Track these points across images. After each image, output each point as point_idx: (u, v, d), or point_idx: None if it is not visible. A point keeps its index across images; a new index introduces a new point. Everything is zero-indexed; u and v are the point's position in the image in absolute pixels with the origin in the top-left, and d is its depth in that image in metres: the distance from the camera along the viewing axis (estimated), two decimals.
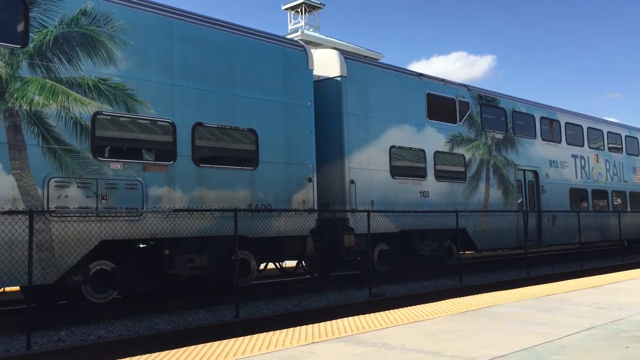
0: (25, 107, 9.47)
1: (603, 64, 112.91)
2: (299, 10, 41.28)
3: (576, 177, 22.80)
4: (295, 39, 16.55)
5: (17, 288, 11.90)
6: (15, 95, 9.39)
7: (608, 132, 25.39)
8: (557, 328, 6.40)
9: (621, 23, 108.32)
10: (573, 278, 13.46)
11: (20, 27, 9.69)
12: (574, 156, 22.89)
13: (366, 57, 23.50)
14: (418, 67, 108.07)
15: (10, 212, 8.61)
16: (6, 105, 9.29)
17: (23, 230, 8.55)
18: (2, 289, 11.67)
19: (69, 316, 10.09)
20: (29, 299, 8.29)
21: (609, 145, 25.29)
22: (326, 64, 14.99)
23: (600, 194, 24.16)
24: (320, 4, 41.78)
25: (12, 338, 8.79)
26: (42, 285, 9.60)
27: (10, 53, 9.44)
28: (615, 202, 24.91)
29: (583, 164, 23.33)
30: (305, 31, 39.15)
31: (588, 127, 24.12)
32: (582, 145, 23.60)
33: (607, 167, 24.88)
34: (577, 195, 22.73)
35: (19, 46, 9.56)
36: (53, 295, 10.85)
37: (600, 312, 7.47)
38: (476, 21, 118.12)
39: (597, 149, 24.51)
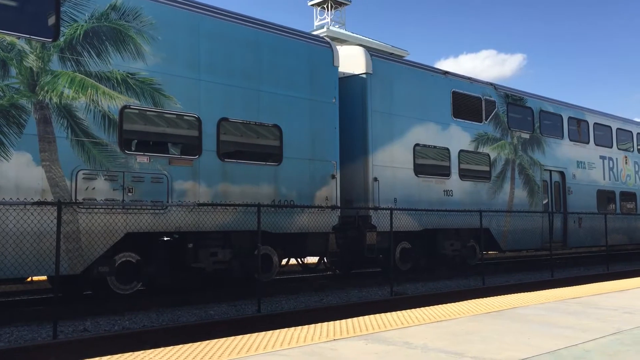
0: (55, 100, 9.64)
1: (635, 63, 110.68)
2: (325, 6, 41.25)
3: (604, 179, 22.42)
4: (321, 36, 16.54)
5: (44, 278, 12.13)
6: (45, 88, 9.56)
7: (638, 133, 24.90)
8: (581, 332, 6.31)
9: None
10: (599, 281, 13.25)
11: (52, 21, 9.86)
12: (602, 157, 22.51)
13: (391, 54, 23.40)
14: (446, 65, 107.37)
15: (39, 203, 8.77)
16: (37, 98, 9.46)
17: (51, 221, 8.71)
18: (30, 278, 11.91)
19: (94, 306, 10.26)
20: (56, 288, 8.44)
21: (639, 147, 24.81)
22: (351, 60, 14.95)
23: (628, 196, 23.72)
24: (347, 0, 41.67)
25: (39, 326, 8.98)
26: (68, 275, 9.77)
27: (42, 46, 9.60)
28: None
29: (611, 166, 22.92)
30: (331, 27, 39.12)
31: (617, 128, 23.68)
32: (611, 147, 23.19)
33: (636, 169, 24.41)
34: (605, 197, 22.35)
35: (50, 40, 9.72)
36: (79, 285, 11.03)
37: (626, 317, 7.35)
38: (506, 19, 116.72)
39: (626, 150, 24.06)
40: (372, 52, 15.38)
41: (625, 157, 23.86)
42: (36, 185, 9.31)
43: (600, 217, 19.95)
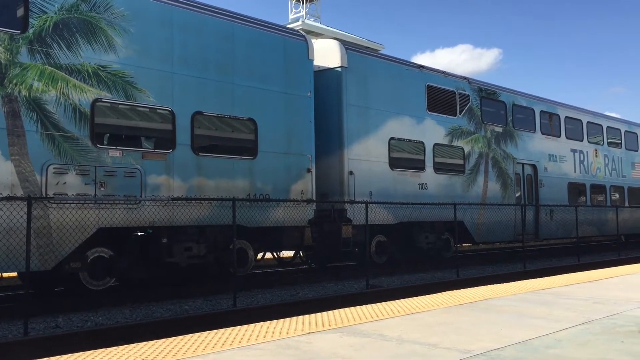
0: (24, 93, 9.43)
1: (608, 58, 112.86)
2: None
3: (575, 172, 22.82)
4: (296, 29, 16.48)
5: (14, 274, 11.91)
6: (14, 81, 9.35)
7: (608, 127, 25.38)
8: (553, 322, 6.42)
9: (626, 17, 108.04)
10: (570, 272, 13.49)
11: (20, 13, 9.63)
12: (573, 150, 22.90)
13: (366, 47, 23.43)
14: (422, 59, 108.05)
15: (8, 198, 8.59)
16: (5, 91, 9.25)
17: (21, 217, 8.54)
18: (0, 274, 11.68)
19: (66, 303, 10.10)
20: (27, 285, 8.29)
21: (608, 140, 25.29)
22: (327, 54, 14.93)
23: (598, 188, 24.18)
24: None
25: (9, 324, 8.81)
26: (39, 272, 9.60)
27: (10, 38, 9.38)
28: (613, 197, 24.95)
29: (582, 159, 23.34)
30: (306, 21, 38.97)
31: (588, 122, 24.10)
32: (582, 140, 23.59)
33: (606, 162, 24.89)
34: (576, 189, 22.75)
35: (19, 32, 9.50)
36: (50, 281, 10.85)
37: (596, 307, 7.50)
38: (482, 14, 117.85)
39: (597, 143, 24.51)
40: (348, 46, 15.39)
41: (596, 150, 24.31)
42: (5, 180, 9.11)
43: (571, 209, 20.32)
